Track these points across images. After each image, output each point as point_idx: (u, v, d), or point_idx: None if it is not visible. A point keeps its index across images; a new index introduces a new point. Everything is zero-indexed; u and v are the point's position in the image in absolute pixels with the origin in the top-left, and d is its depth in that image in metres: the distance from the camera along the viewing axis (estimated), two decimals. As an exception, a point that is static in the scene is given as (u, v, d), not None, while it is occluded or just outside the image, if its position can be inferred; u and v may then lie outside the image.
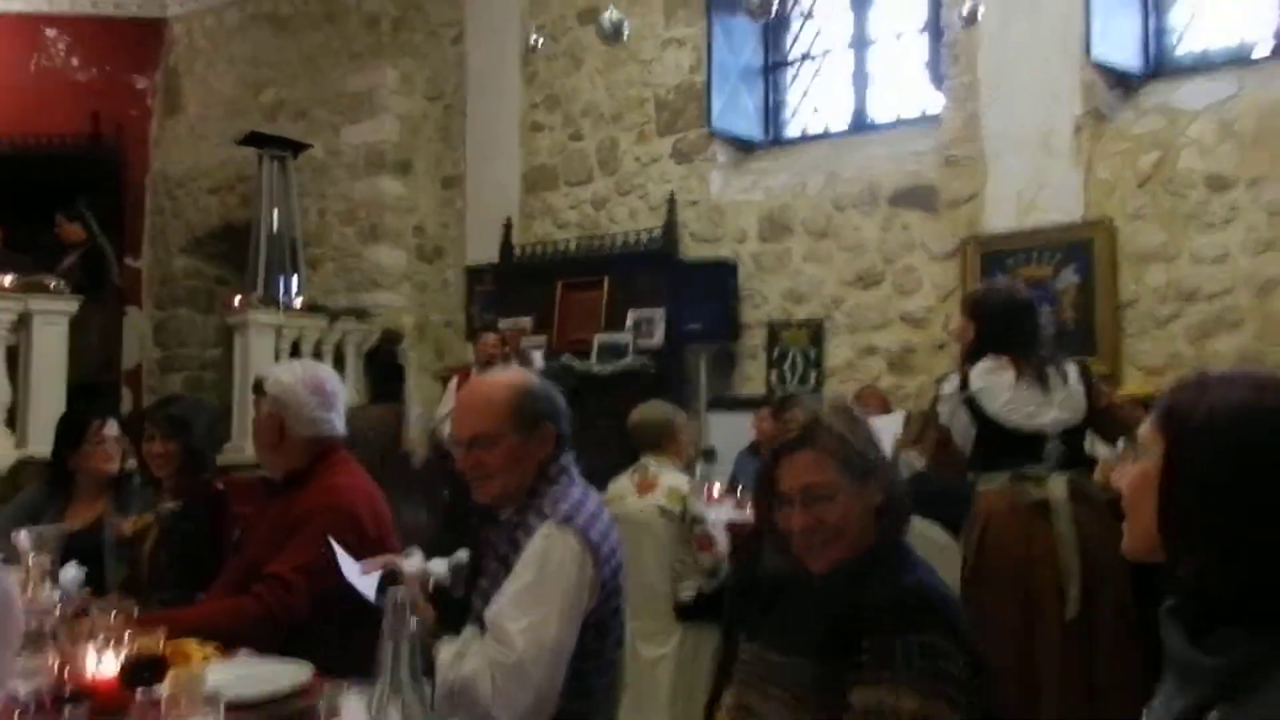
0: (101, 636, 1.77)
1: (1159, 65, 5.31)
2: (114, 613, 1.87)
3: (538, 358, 6.11)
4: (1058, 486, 2.91)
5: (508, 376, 2.21)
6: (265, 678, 1.88)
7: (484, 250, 7.50)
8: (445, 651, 1.93)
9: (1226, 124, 4.88)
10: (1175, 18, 5.30)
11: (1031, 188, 5.34)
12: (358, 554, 2.20)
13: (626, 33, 3.87)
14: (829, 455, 1.69)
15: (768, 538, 1.79)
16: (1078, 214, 5.20)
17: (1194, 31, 5.25)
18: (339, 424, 2.72)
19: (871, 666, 1.52)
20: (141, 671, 1.69)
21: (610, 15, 3.87)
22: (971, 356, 3.03)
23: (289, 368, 2.90)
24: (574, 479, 2.13)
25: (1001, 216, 5.43)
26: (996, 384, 2.95)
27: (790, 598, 1.74)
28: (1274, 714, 1.03)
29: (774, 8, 4.22)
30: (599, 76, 7.07)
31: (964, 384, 2.98)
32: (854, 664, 1.54)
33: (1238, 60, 5.08)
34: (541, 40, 5.79)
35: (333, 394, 2.72)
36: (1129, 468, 1.23)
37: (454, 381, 6.13)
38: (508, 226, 7.34)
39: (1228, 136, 4.87)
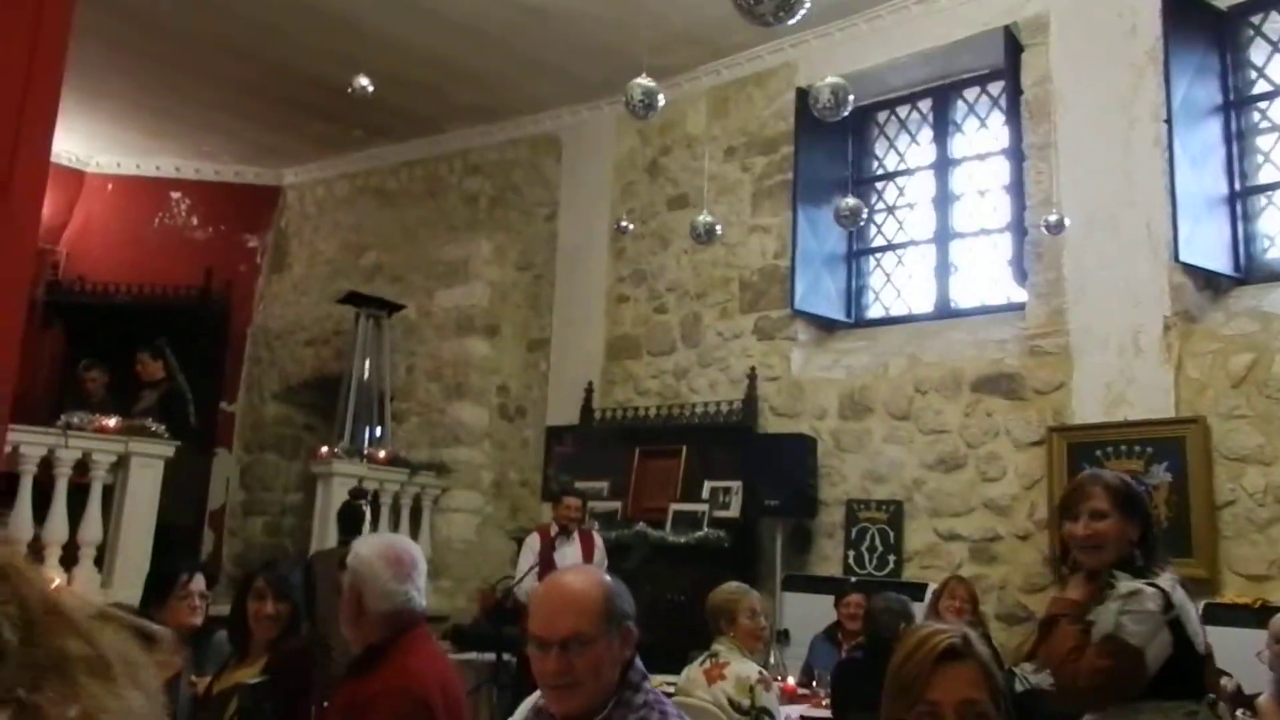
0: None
1: (1249, 270, 5.20)
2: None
3: (599, 541, 5.99)
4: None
5: (592, 574, 2.08)
6: None
7: (565, 413, 7.50)
8: None
9: (1322, 329, 4.73)
10: (1264, 225, 5.22)
11: (1120, 382, 5.18)
12: None
13: (719, 234, 3.90)
14: (984, 674, 1.58)
15: None
16: (1168, 411, 5.00)
17: (1283, 237, 5.16)
18: (417, 597, 2.62)
19: None
20: None
21: (704, 219, 3.92)
22: (1126, 563, 2.60)
23: (369, 541, 2.83)
24: (649, 681, 2.01)
25: (1089, 408, 5.25)
26: (1186, 599, 2.57)
27: None
28: None
29: (863, 218, 4.23)
30: (685, 257, 7.18)
31: (1167, 602, 2.54)
32: None
33: (1331, 267, 4.96)
34: (630, 224, 5.91)
35: (410, 565, 2.63)
36: None
37: (534, 539, 5.97)
38: (589, 391, 7.35)
39: (1324, 341, 4.70)
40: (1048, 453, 5.35)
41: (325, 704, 2.72)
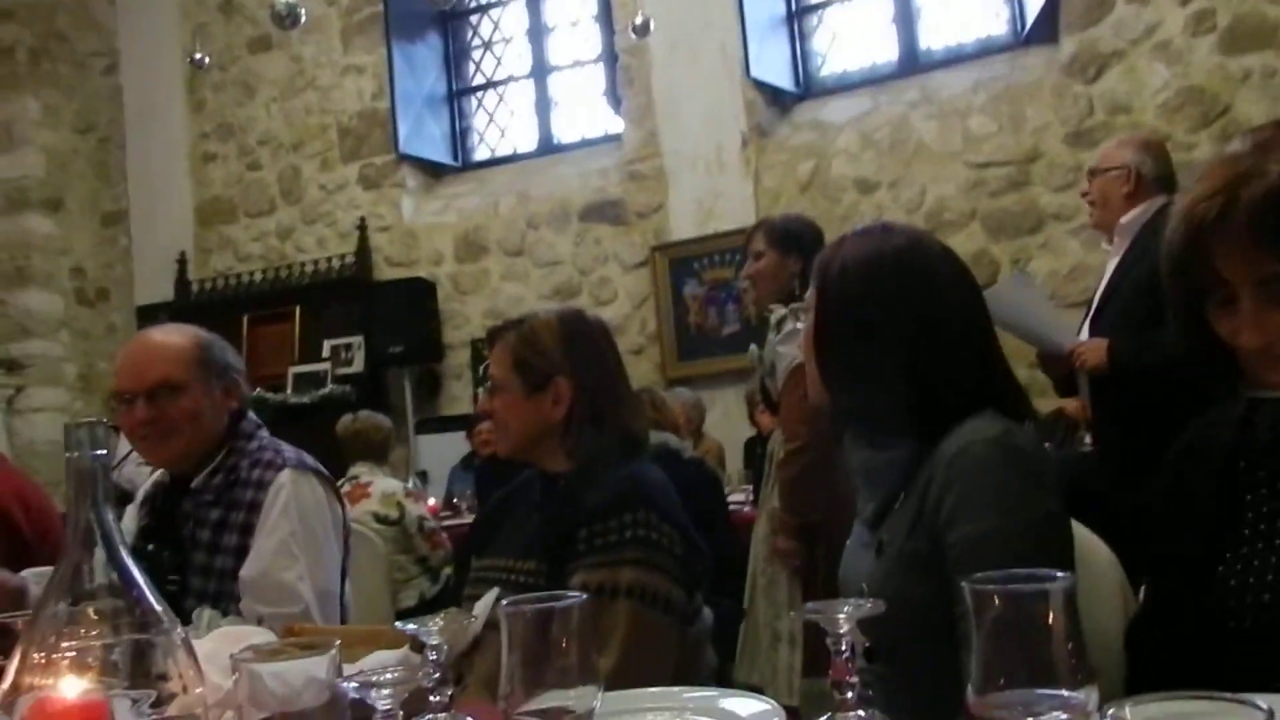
0: None
1: (807, 86, 5.61)
2: None
3: None
4: None
5: (182, 328, 1.91)
6: None
7: (156, 290, 6.58)
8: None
9: (867, 135, 5.22)
10: (817, 43, 5.63)
11: (709, 198, 5.43)
12: (13, 555, 1.72)
13: (303, 19, 3.45)
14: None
15: None
16: (750, 219, 5.33)
17: (834, 55, 5.60)
18: None
19: (590, 551, 1.48)
20: None
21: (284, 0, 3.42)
22: (789, 296, 2.67)
23: None
24: (264, 431, 1.90)
25: (684, 225, 5.48)
26: None
27: (517, 511, 1.69)
28: (933, 489, 1.14)
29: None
30: (275, 105, 6.46)
31: None
32: (575, 553, 1.49)
33: (871, 80, 5.46)
34: (206, 57, 5.13)
35: None
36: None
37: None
38: (182, 262, 6.49)
39: (868, 146, 5.21)
40: (652, 271, 5.53)
41: None
